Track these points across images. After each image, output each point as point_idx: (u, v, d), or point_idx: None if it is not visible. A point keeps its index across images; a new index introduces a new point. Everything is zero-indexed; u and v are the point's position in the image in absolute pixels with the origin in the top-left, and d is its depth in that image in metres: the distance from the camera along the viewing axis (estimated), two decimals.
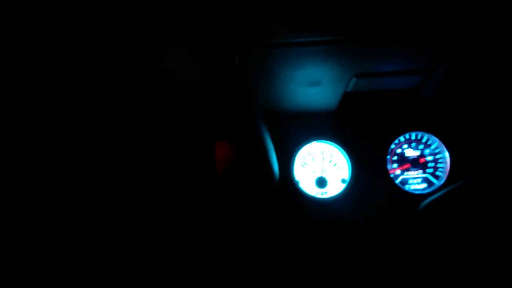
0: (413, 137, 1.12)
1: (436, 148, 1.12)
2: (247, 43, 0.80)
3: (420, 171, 1.12)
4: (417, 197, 1.08)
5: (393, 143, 1.12)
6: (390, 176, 1.09)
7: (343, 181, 1.10)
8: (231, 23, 0.73)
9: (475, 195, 0.75)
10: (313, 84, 0.94)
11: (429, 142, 1.12)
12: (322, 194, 1.10)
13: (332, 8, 0.73)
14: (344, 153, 1.11)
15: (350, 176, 1.09)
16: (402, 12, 0.75)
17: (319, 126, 1.12)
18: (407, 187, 1.11)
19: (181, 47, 0.71)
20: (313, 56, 0.84)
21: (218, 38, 0.72)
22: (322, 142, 1.13)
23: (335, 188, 1.10)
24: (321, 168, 1.12)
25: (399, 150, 1.12)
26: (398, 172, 1.12)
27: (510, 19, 0.77)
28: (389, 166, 1.11)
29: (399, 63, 0.89)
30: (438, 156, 1.12)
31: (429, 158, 1.12)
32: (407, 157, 1.12)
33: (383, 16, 0.75)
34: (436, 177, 1.11)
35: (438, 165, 1.11)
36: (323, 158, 1.13)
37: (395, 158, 1.12)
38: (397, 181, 1.11)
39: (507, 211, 0.79)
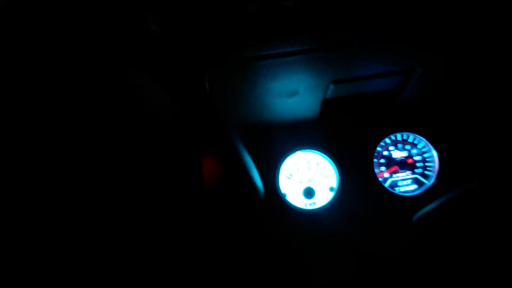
0: (399, 137, 1.09)
1: (423, 147, 1.09)
2: (217, 61, 0.76)
3: (409, 172, 1.09)
4: (408, 199, 1.05)
5: (379, 145, 1.09)
6: (378, 180, 1.06)
7: (331, 189, 1.07)
8: (199, 44, 0.70)
9: (469, 204, 0.72)
10: (290, 95, 0.91)
11: (415, 142, 1.09)
12: (310, 204, 1.07)
13: (304, 17, 0.70)
14: (330, 160, 1.08)
15: (338, 183, 1.06)
16: (378, 15, 0.73)
17: (302, 135, 1.09)
18: (397, 190, 1.08)
19: (148, 80, 0.68)
20: (286, 66, 0.80)
21: (185, 65, 0.69)
22: (307, 151, 1.09)
23: (323, 197, 1.07)
24: (308, 178, 1.09)
25: (385, 153, 1.09)
26: (386, 175, 1.09)
27: (490, 20, 0.74)
28: (377, 170, 1.08)
29: (377, 66, 0.86)
30: (426, 155, 1.09)
31: (417, 158, 1.09)
32: (395, 158, 1.09)
33: (356, 22, 0.73)
34: (426, 176, 1.08)
35: (427, 164, 1.09)
36: (309, 168, 1.09)
37: (382, 161, 1.09)
38: (387, 184, 1.08)
39: (501, 219, 0.77)
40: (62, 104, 0.73)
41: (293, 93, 0.91)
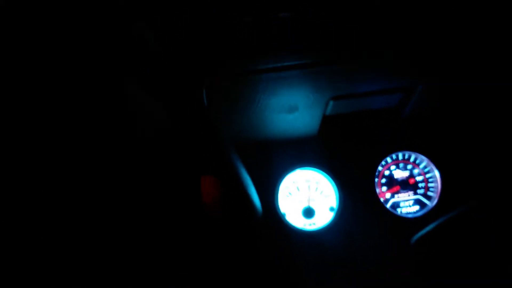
0: (400, 157, 1.07)
1: (425, 167, 1.07)
2: (215, 74, 0.75)
3: (411, 192, 1.06)
4: (410, 221, 1.02)
5: (380, 164, 1.06)
6: (380, 200, 1.03)
7: (331, 209, 1.04)
8: (196, 57, 0.69)
9: (467, 225, 0.70)
10: (289, 110, 0.90)
11: (417, 161, 1.07)
12: (310, 224, 1.03)
13: (304, 32, 0.70)
14: (330, 179, 1.05)
15: (338, 203, 1.03)
16: (379, 32, 0.72)
17: (302, 152, 1.07)
18: (399, 211, 1.05)
19: (144, 94, 0.67)
20: (285, 81, 0.79)
21: (183, 79, 0.68)
22: (306, 169, 1.07)
23: (323, 217, 1.04)
24: (308, 197, 1.06)
25: (387, 172, 1.07)
26: (388, 195, 1.06)
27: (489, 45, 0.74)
28: (378, 190, 1.05)
29: (376, 82, 0.86)
30: (428, 176, 1.06)
31: (419, 178, 1.07)
32: (396, 178, 1.07)
33: (359, 36, 0.72)
34: (428, 197, 1.06)
35: (429, 184, 1.06)
36: (309, 187, 1.07)
37: (383, 180, 1.07)
38: (388, 205, 1.05)
39: (499, 238, 0.74)
40: (59, 114, 0.72)
41: (293, 109, 0.90)
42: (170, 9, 0.65)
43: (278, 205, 1.03)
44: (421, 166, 1.07)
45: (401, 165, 1.07)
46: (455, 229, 0.74)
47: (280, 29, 0.67)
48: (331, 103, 0.89)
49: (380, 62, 0.78)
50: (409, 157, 1.07)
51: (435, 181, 1.05)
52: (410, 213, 1.05)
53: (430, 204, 1.05)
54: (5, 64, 0.59)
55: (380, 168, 1.06)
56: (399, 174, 1.07)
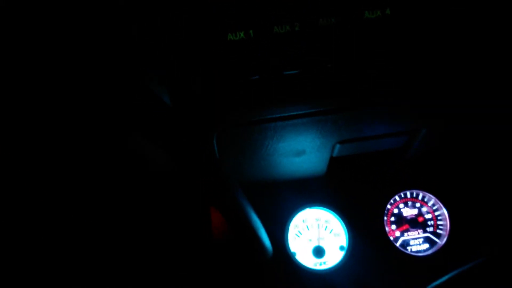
0: (408, 195, 1.09)
1: (434, 205, 1.08)
2: (226, 124, 0.79)
3: (420, 230, 1.07)
4: (421, 260, 1.02)
5: (389, 203, 1.08)
6: (389, 239, 1.04)
7: (342, 248, 1.05)
8: (207, 110, 0.73)
9: (481, 278, 0.71)
10: (297, 154, 0.93)
11: (425, 200, 1.08)
12: (320, 264, 1.05)
13: (310, 85, 0.73)
14: (339, 218, 1.07)
15: (348, 242, 1.05)
16: (382, 82, 0.76)
17: (311, 191, 1.09)
18: (409, 249, 1.05)
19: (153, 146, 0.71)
20: (293, 128, 0.83)
21: (194, 132, 0.72)
22: (316, 208, 1.09)
23: (333, 256, 1.05)
24: (317, 236, 1.07)
25: (396, 210, 1.08)
26: (397, 234, 1.07)
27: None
28: (387, 228, 1.06)
29: (381, 127, 0.88)
30: (437, 213, 1.07)
31: (428, 216, 1.08)
32: (405, 217, 1.08)
33: (361, 86, 0.76)
34: (438, 235, 1.06)
35: (438, 222, 1.07)
36: (318, 225, 1.08)
37: (392, 219, 1.08)
38: (398, 243, 1.06)
39: None
40: (69, 162, 0.77)
41: (300, 153, 0.93)
42: (183, 67, 0.70)
43: (288, 244, 1.05)
44: (429, 204, 1.08)
45: (409, 203, 1.09)
46: (470, 281, 0.75)
47: (286, 84, 0.71)
48: (337, 146, 0.92)
49: (384, 110, 0.82)
50: (417, 195, 1.09)
51: (444, 219, 1.06)
52: (420, 251, 1.06)
53: (440, 242, 1.05)
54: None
55: (388, 206, 1.08)
56: (408, 212, 1.08)
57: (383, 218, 1.06)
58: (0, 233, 0.76)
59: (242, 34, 0.68)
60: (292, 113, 0.79)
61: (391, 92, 0.78)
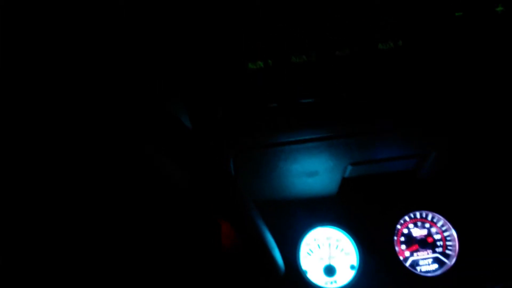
0: (418, 216, 1.11)
1: (443, 225, 1.10)
2: (243, 147, 0.83)
3: (430, 251, 1.09)
4: (430, 280, 1.04)
5: (399, 223, 1.10)
6: (399, 259, 1.06)
7: (352, 267, 1.07)
8: (226, 135, 0.77)
9: None
10: (309, 175, 0.96)
11: (434, 220, 1.11)
12: (331, 283, 1.06)
13: (325, 112, 0.77)
14: (350, 238, 1.09)
15: (358, 261, 1.07)
16: (391, 107, 0.79)
17: (322, 211, 1.12)
18: (418, 269, 1.07)
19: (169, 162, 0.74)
20: (307, 151, 0.86)
21: (212, 153, 0.76)
22: (327, 227, 1.12)
23: (344, 275, 1.07)
24: (328, 255, 1.10)
25: (405, 231, 1.10)
26: (407, 253, 1.09)
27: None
28: (397, 248, 1.08)
29: (392, 150, 0.91)
30: (446, 234, 1.09)
31: (437, 236, 1.10)
32: (415, 237, 1.10)
33: (372, 113, 0.79)
34: (447, 256, 1.08)
35: (447, 243, 1.09)
36: (330, 244, 1.11)
37: (402, 239, 1.10)
38: (408, 263, 1.08)
39: None
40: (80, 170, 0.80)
41: (313, 174, 0.96)
42: (205, 94, 0.74)
43: (300, 263, 1.07)
44: (439, 224, 1.10)
45: (419, 223, 1.11)
46: None
47: (302, 111, 0.74)
48: (349, 168, 0.95)
49: (395, 134, 0.85)
50: (427, 216, 1.11)
51: (453, 240, 1.08)
52: (429, 271, 1.07)
53: (449, 262, 1.07)
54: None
55: (398, 226, 1.10)
56: (418, 232, 1.10)
57: (393, 238, 1.08)
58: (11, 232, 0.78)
59: (261, 64, 0.72)
60: (306, 137, 0.82)
61: (402, 118, 0.81)
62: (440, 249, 1.09)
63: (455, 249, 1.06)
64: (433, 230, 1.11)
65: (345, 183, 1.04)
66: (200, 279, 1.04)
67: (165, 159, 0.82)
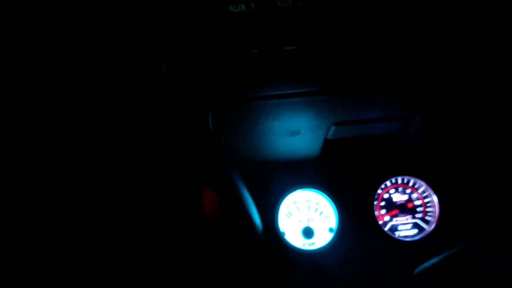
0: (399, 181, 1.10)
1: (424, 192, 1.09)
2: (222, 99, 0.78)
3: (409, 216, 1.08)
4: (408, 245, 1.04)
5: (380, 188, 1.09)
6: (378, 223, 1.05)
7: (331, 230, 1.06)
8: (204, 83, 0.72)
9: (472, 261, 0.72)
10: (291, 134, 0.93)
11: (416, 186, 1.09)
12: (309, 245, 1.05)
13: (308, 63, 0.73)
14: (330, 201, 1.08)
15: (337, 225, 1.06)
16: (377, 63, 0.75)
17: (303, 173, 1.09)
18: (397, 234, 1.07)
19: (151, 115, 0.70)
20: (289, 107, 0.82)
21: (190, 103, 0.71)
22: (307, 190, 1.10)
23: (322, 238, 1.06)
24: (307, 218, 1.08)
25: (386, 195, 1.09)
26: (386, 218, 1.08)
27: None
28: (377, 213, 1.07)
29: (377, 111, 0.88)
30: (426, 200, 1.08)
31: (418, 202, 1.09)
32: (395, 202, 1.09)
33: (360, 66, 0.75)
34: (426, 222, 1.07)
35: (427, 209, 1.08)
36: (309, 207, 1.09)
37: (382, 203, 1.09)
38: (386, 228, 1.07)
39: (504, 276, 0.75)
40: (64, 132, 0.75)
41: (295, 133, 0.93)
42: (183, 39, 0.68)
43: (278, 224, 1.05)
44: (420, 190, 1.09)
45: (400, 189, 1.10)
46: (458, 264, 0.76)
47: (284, 60, 0.70)
48: (332, 128, 0.92)
49: (380, 92, 0.81)
50: (408, 181, 1.09)
51: (433, 206, 1.07)
52: (408, 236, 1.07)
53: (428, 228, 1.07)
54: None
55: (379, 191, 1.09)
56: (398, 197, 1.09)
57: (373, 202, 1.07)
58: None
59: (243, 6, 0.67)
60: (289, 91, 0.78)
61: (389, 74, 0.77)
62: (420, 215, 1.08)
63: (435, 215, 1.06)
64: (414, 195, 1.09)
65: (328, 145, 1.01)
66: (183, 248, 1.02)
67: (147, 114, 0.78)
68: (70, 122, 0.69)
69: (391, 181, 1.10)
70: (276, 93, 0.78)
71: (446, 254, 0.79)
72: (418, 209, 1.09)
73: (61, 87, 0.63)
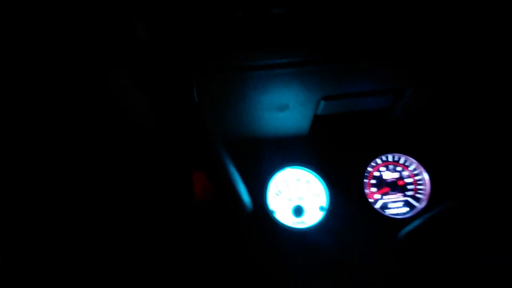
0: (390, 159, 1.08)
1: (415, 169, 1.08)
2: (207, 68, 0.76)
3: (400, 194, 1.07)
4: (399, 222, 1.02)
5: (370, 165, 1.07)
6: (369, 201, 1.04)
7: (321, 208, 1.05)
8: (186, 50, 0.70)
9: (454, 220, 0.71)
10: (280, 109, 0.91)
11: (407, 164, 1.08)
12: (299, 223, 1.04)
13: (297, 30, 0.70)
14: (320, 178, 1.06)
15: (327, 203, 1.04)
16: (368, 32, 0.73)
17: (293, 151, 1.08)
18: (388, 212, 1.06)
19: (133, 87, 0.67)
20: (277, 79, 0.80)
21: (173, 73, 0.69)
22: (297, 168, 1.08)
23: (312, 216, 1.05)
24: (297, 196, 1.07)
25: (376, 173, 1.08)
26: (377, 196, 1.07)
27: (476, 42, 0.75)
28: (367, 191, 1.06)
29: (367, 84, 0.87)
30: (417, 178, 1.07)
31: (408, 180, 1.08)
32: (385, 180, 1.08)
33: (349, 35, 0.73)
34: (417, 199, 1.06)
35: (418, 187, 1.07)
36: (299, 185, 1.07)
37: (373, 181, 1.07)
38: (377, 206, 1.06)
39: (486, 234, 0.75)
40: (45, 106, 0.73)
41: (283, 108, 0.91)
42: (163, 3, 0.66)
43: (267, 202, 1.03)
44: (411, 168, 1.08)
45: (390, 166, 1.09)
46: (442, 226, 0.75)
47: (271, 25, 0.68)
48: (322, 102, 0.90)
49: (370, 64, 0.79)
50: (399, 159, 1.08)
51: (424, 184, 1.06)
52: (399, 214, 1.06)
53: (419, 205, 1.06)
54: None
55: (369, 169, 1.07)
56: (389, 175, 1.08)
57: (363, 180, 1.05)
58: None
59: None
60: (276, 61, 0.76)
61: (382, 43, 0.76)
62: (411, 193, 1.07)
63: (426, 193, 1.05)
64: (405, 173, 1.08)
65: (318, 122, 0.99)
66: (174, 229, 1.00)
67: (129, 85, 0.75)
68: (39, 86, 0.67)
69: (381, 159, 1.08)
70: (262, 63, 0.76)
71: (427, 215, 0.78)
72: (409, 186, 1.08)
73: (31, 48, 0.61)
